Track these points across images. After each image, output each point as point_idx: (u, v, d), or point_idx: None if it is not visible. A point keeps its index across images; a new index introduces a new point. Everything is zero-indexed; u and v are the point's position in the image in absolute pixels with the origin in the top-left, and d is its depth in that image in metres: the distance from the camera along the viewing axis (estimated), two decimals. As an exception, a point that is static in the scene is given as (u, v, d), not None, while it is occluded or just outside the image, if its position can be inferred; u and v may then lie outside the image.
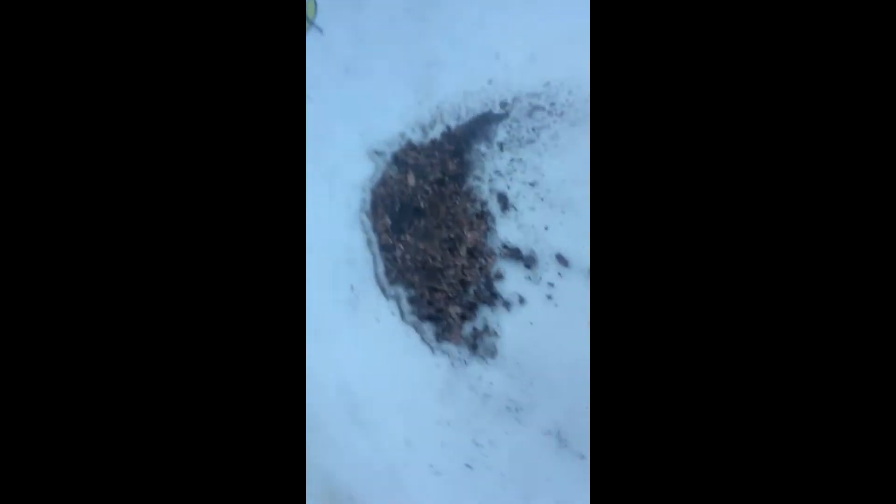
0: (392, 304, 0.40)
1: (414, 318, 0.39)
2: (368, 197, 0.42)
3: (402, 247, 0.40)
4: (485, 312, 0.39)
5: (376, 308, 0.40)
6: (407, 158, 0.42)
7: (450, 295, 0.39)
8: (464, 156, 0.42)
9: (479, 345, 0.39)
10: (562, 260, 0.40)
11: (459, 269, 0.39)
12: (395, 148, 0.42)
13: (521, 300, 0.39)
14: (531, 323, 0.38)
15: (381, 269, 0.41)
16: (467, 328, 0.39)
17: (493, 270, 0.40)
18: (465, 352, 0.39)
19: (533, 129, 0.43)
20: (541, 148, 0.42)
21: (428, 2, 0.44)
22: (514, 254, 0.40)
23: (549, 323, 0.38)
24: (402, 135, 0.43)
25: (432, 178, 0.41)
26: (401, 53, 0.44)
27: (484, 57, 0.44)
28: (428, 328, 0.39)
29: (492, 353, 0.38)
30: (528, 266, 0.40)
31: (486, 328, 0.39)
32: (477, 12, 0.44)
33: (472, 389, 0.38)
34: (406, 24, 0.44)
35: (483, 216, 0.41)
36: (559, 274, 0.39)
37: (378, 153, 0.42)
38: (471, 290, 0.39)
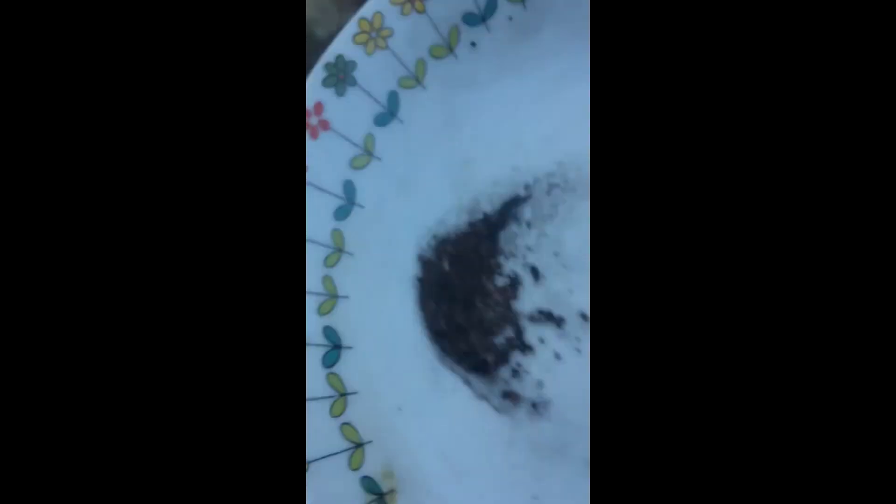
0: (459, 380, 0.49)
1: (483, 389, 0.48)
2: (419, 290, 0.51)
3: (444, 321, 0.49)
4: (526, 366, 0.47)
5: (452, 384, 0.49)
6: (446, 247, 0.51)
7: (490, 351, 0.47)
8: (498, 237, 0.51)
9: (530, 400, 0.47)
10: (584, 317, 0.47)
11: (496, 332, 0.48)
12: (437, 240, 0.52)
13: (557, 356, 0.47)
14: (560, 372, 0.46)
15: (436, 351, 0.50)
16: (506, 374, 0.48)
17: (532, 334, 0.48)
18: (522, 410, 0.48)
19: (552, 205, 0.50)
20: (560, 221, 0.50)
21: (461, 111, 0.53)
22: (548, 317, 0.48)
23: (578, 370, 0.46)
24: (445, 225, 0.52)
25: (465, 261, 0.50)
26: (442, 160, 0.53)
27: (508, 147, 0.52)
28: (493, 395, 0.48)
29: (540, 405, 0.47)
30: (559, 326, 0.47)
31: (531, 380, 0.47)
32: (500, 110, 0.53)
33: (527, 437, 0.47)
34: (445, 134, 0.53)
35: (516, 286, 0.49)
36: (583, 329, 0.47)
37: (424, 252, 0.51)
38: (508, 350, 0.47)
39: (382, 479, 0.45)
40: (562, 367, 0.47)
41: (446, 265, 0.51)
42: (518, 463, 0.46)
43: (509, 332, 0.48)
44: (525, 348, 0.48)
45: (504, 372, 0.48)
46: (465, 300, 0.50)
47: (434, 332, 0.49)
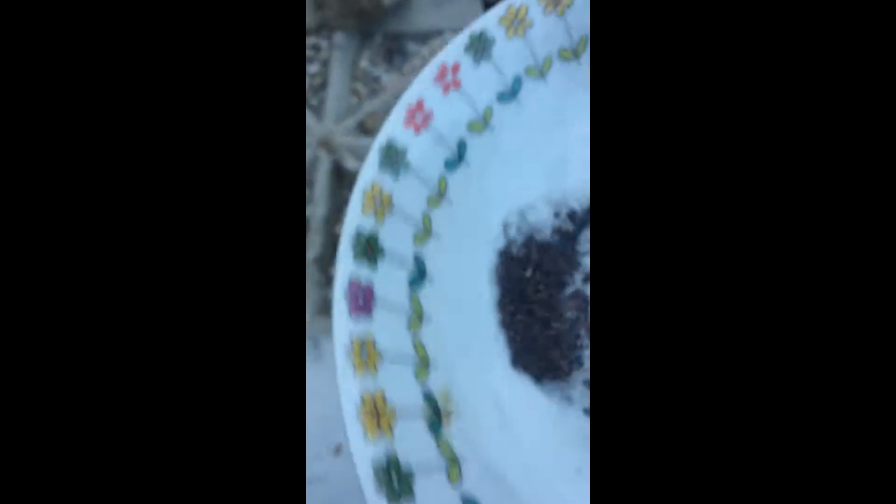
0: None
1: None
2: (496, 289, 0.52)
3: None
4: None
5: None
6: (531, 252, 0.52)
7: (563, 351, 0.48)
8: (579, 239, 0.53)
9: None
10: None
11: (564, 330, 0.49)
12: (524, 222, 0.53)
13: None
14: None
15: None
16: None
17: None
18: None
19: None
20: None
21: (573, 110, 0.55)
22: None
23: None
24: (534, 210, 0.54)
25: (546, 269, 0.51)
26: (542, 151, 0.56)
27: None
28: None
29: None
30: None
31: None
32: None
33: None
34: (553, 127, 0.56)
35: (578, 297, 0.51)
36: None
37: (510, 233, 0.53)
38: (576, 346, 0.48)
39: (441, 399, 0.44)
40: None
41: (530, 251, 0.53)
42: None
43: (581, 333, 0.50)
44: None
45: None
46: (526, 298, 0.51)
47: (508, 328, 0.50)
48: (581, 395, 0.47)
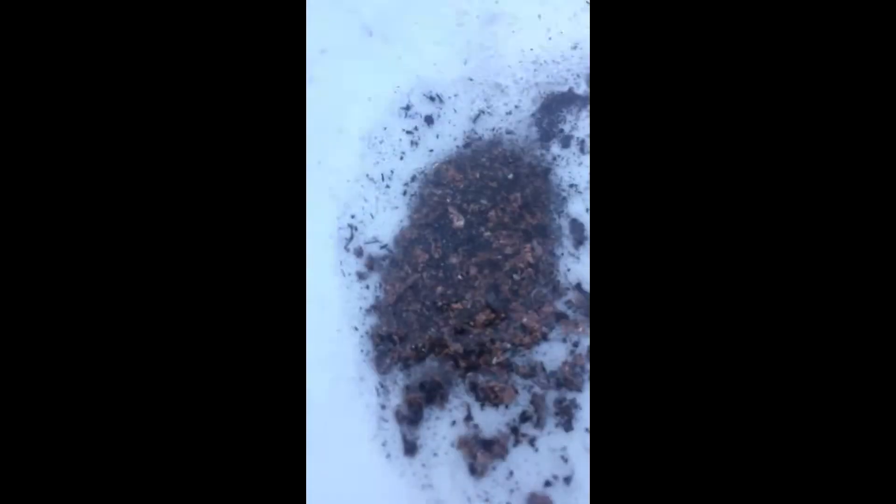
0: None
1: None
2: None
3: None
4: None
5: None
6: (446, 179, 0.31)
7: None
8: (525, 165, 0.30)
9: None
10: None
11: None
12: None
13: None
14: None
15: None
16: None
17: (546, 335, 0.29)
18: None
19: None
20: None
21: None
22: (583, 304, 0.29)
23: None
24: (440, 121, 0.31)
25: (478, 208, 0.30)
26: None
27: (569, 6, 0.31)
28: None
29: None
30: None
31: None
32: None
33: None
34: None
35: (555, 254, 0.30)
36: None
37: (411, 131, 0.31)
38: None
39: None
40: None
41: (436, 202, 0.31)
42: None
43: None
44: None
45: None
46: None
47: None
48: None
